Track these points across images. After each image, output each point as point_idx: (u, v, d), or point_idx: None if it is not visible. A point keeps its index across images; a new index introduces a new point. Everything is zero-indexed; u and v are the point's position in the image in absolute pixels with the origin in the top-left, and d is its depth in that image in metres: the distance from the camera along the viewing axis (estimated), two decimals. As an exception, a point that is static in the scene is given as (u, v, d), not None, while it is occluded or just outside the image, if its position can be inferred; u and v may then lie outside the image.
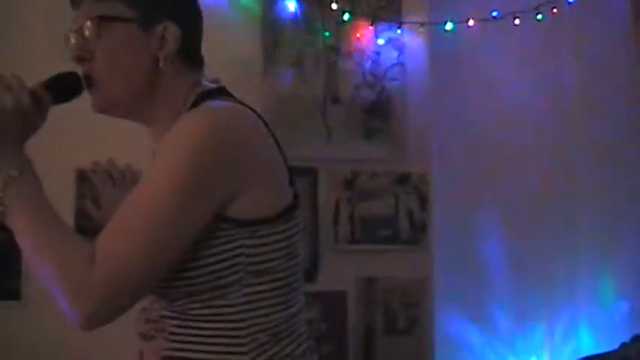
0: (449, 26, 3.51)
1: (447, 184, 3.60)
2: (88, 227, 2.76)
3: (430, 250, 3.49)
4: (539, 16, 3.58)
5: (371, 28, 3.42)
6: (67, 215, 2.84)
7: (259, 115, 1.47)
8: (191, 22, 1.54)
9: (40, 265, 1.34)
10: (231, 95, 1.52)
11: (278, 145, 1.48)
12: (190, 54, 1.53)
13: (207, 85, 1.53)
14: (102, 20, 1.44)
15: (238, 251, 1.37)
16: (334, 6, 3.30)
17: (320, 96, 3.32)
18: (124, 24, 1.45)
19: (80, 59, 1.47)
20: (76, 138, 2.58)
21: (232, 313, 1.40)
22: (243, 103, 1.48)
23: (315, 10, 3.34)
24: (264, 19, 3.27)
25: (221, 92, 1.51)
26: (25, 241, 1.35)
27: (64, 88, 1.44)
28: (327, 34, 3.34)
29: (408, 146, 3.45)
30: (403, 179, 3.44)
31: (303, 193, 3.25)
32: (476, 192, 3.72)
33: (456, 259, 3.64)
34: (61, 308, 1.30)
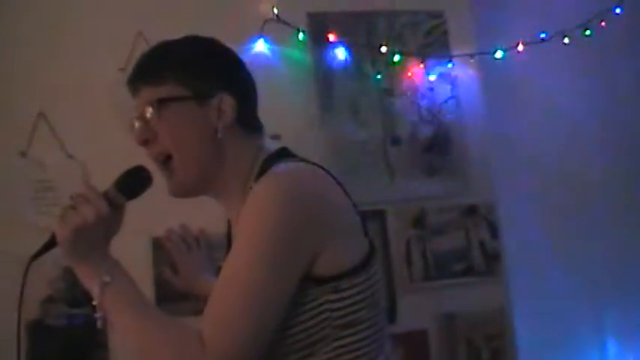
0: (499, 54, 3.51)
1: (514, 212, 3.57)
2: (167, 293, 2.84)
3: (506, 279, 3.45)
4: (588, 32, 3.56)
5: (422, 65, 3.44)
6: (147, 283, 2.90)
7: (326, 170, 1.50)
8: (244, 90, 1.60)
9: (152, 358, 1.38)
10: (293, 154, 1.56)
11: (348, 196, 1.50)
12: (248, 121, 1.58)
13: (270, 148, 1.57)
14: (160, 103, 1.50)
15: (324, 307, 1.40)
16: (383, 49, 3.34)
17: (379, 138, 3.34)
18: (181, 103, 1.51)
19: (145, 142, 1.54)
20: (148, 208, 2.63)
21: None
22: (307, 160, 1.52)
23: (365, 55, 3.37)
24: (316, 69, 3.30)
25: (284, 153, 1.55)
26: (131, 338, 1.39)
27: (134, 184, 1.50)
28: (379, 76, 3.37)
29: (472, 178, 3.44)
30: (471, 211, 3.43)
31: (372, 235, 3.28)
32: (543, 218, 3.68)
33: (530, 287, 3.59)
34: None
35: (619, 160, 3.91)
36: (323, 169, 1.50)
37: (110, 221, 1.43)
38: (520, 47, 3.52)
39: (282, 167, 1.47)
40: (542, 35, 3.54)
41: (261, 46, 3.11)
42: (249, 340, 1.33)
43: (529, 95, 3.72)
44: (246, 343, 1.33)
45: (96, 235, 1.40)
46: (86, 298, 2.73)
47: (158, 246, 2.79)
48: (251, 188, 1.45)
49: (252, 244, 1.36)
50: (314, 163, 1.51)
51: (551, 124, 3.75)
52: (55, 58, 2.98)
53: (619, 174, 3.90)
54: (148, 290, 2.92)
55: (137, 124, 1.55)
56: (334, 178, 1.50)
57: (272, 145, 1.59)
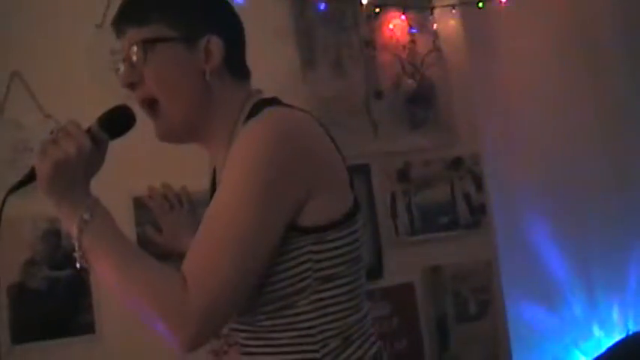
0: (481, 4, 3.46)
1: (499, 164, 3.56)
2: (150, 252, 2.81)
3: (492, 232, 3.45)
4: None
5: (403, 17, 3.39)
6: (130, 242, 2.88)
7: (317, 119, 1.47)
8: (232, 32, 1.55)
9: (133, 299, 1.34)
10: (284, 103, 1.53)
11: (337, 148, 1.48)
12: (237, 65, 1.54)
13: (259, 95, 1.54)
14: (146, 43, 1.46)
15: (306, 257, 1.38)
16: (364, 0, 3.29)
17: (362, 92, 3.31)
18: (167, 44, 1.47)
19: (131, 85, 1.50)
20: (129, 167, 2.60)
21: (302, 321, 1.41)
22: (299, 108, 1.49)
23: (346, 7, 3.32)
24: (296, 24, 3.26)
25: (275, 101, 1.52)
26: (111, 278, 1.36)
27: (118, 122, 1.45)
28: (360, 29, 3.33)
29: (456, 130, 3.43)
30: (456, 164, 3.42)
31: (357, 190, 3.27)
32: (526, 169, 3.66)
33: (515, 240, 3.59)
34: (162, 335, 1.31)
35: (606, 103, 3.88)
36: (317, 120, 1.48)
37: (92, 158, 1.38)
38: (503, -1, 3.47)
39: (272, 110, 1.43)
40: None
41: (238, -2, 3.06)
42: (233, 282, 1.31)
43: (512, 45, 3.68)
44: (230, 285, 1.31)
45: (76, 171, 1.36)
46: (68, 259, 2.76)
47: (140, 205, 2.77)
48: (238, 134, 1.42)
49: (239, 184, 1.33)
50: (306, 112, 1.48)
51: (535, 73, 3.72)
52: (29, 16, 2.91)
53: (607, 118, 3.88)
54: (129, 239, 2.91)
55: (122, 67, 1.51)
56: (325, 128, 1.47)
57: (261, 93, 1.56)
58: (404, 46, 3.41)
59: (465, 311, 3.38)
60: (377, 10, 3.32)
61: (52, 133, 1.37)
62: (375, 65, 3.36)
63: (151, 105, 1.50)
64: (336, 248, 1.41)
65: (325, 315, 1.41)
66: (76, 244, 1.35)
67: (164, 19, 1.47)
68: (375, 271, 3.20)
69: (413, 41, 3.43)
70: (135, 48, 1.47)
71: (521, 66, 3.68)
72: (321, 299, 1.41)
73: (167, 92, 1.48)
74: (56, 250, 2.81)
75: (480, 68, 3.53)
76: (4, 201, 1.40)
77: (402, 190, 3.34)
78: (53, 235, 2.80)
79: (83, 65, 2.92)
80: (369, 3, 3.30)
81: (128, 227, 2.86)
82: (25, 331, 2.75)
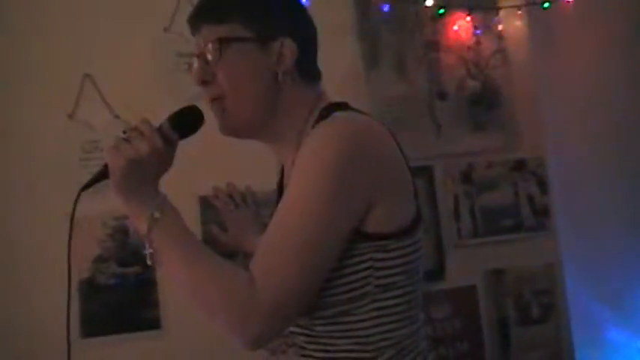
0: (546, 4, 3.42)
1: (564, 166, 3.51)
2: (215, 251, 2.86)
3: (556, 235, 3.42)
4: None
5: (468, 18, 3.38)
6: (196, 241, 2.94)
7: (387, 127, 1.48)
8: (306, 36, 1.57)
9: (200, 296, 1.36)
10: (353, 108, 1.54)
11: (405, 158, 1.48)
12: (308, 68, 1.56)
13: (329, 98, 1.56)
14: (222, 42, 1.48)
15: (367, 264, 1.38)
16: (429, 2, 3.29)
17: (425, 93, 3.31)
18: (242, 44, 1.49)
19: (204, 82, 1.52)
20: (195, 166, 2.65)
21: (360, 329, 1.41)
22: (368, 115, 1.50)
23: (410, 9, 3.33)
24: (360, 25, 3.28)
25: (344, 106, 1.54)
26: (179, 276, 1.37)
27: (188, 122, 1.47)
28: (424, 30, 3.33)
29: (520, 132, 3.40)
30: (519, 166, 3.39)
31: (420, 191, 3.26)
32: (592, 170, 3.60)
33: (581, 241, 3.54)
34: (227, 333, 1.33)
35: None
36: (386, 127, 1.48)
37: (163, 157, 1.40)
38: (569, -2, 3.42)
39: (341, 114, 1.44)
40: (593, -16, 3.44)
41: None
42: (299, 284, 1.32)
43: (578, 46, 3.63)
44: (295, 286, 1.32)
45: (148, 170, 1.38)
46: (135, 256, 2.83)
47: (205, 204, 2.82)
48: (307, 136, 1.43)
49: (307, 188, 1.34)
50: (377, 121, 1.48)
51: (602, 75, 3.66)
52: (100, 19, 2.99)
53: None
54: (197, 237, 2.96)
55: (196, 64, 1.54)
56: (393, 135, 1.47)
57: (331, 97, 1.57)
58: (468, 47, 3.40)
59: (528, 314, 3.35)
60: (441, 11, 3.31)
61: (124, 132, 1.40)
62: (438, 66, 3.36)
63: (220, 102, 1.52)
64: (397, 257, 1.41)
65: (382, 324, 1.41)
66: (146, 242, 1.37)
67: (240, 19, 1.49)
68: (437, 273, 3.18)
69: (477, 42, 3.42)
70: (210, 46, 1.49)
71: (587, 67, 3.63)
72: (379, 308, 1.41)
73: (238, 91, 1.50)
74: (124, 247, 2.88)
75: (544, 69, 3.49)
76: (77, 197, 1.43)
77: (464, 192, 3.33)
78: (121, 233, 2.88)
79: (151, 67, 2.98)
80: (433, 4, 3.30)
81: (194, 226, 2.91)
82: (93, 325, 2.83)
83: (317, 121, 1.46)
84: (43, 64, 2.94)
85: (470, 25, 3.39)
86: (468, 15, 3.38)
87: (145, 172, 1.38)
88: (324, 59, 2.62)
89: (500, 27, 3.44)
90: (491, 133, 3.37)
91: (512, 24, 3.47)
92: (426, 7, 3.30)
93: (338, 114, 1.44)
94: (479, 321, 3.30)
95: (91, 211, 2.40)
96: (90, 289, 2.84)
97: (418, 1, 3.30)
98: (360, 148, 1.35)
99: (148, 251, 1.37)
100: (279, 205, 1.38)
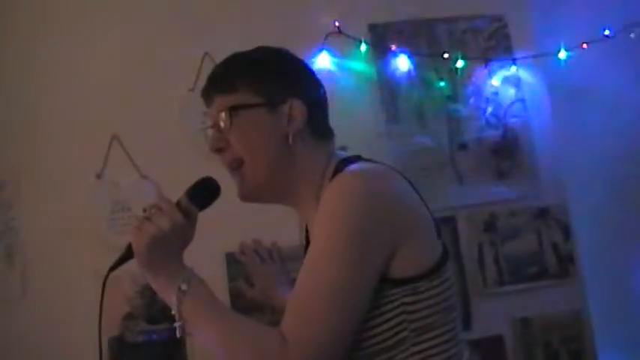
0: (562, 54, 3.46)
1: (587, 213, 3.51)
2: (243, 306, 2.89)
3: (581, 281, 3.40)
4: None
5: (485, 69, 3.43)
6: (222, 297, 2.95)
7: (400, 173, 1.52)
8: (314, 96, 1.62)
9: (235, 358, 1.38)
10: (366, 159, 1.58)
11: (421, 198, 1.51)
12: (319, 127, 1.60)
13: (343, 154, 1.60)
14: (232, 110, 1.54)
15: (400, 310, 1.40)
16: (446, 55, 3.35)
17: (446, 145, 3.35)
18: (253, 110, 1.54)
19: (219, 150, 1.57)
20: (221, 223, 2.68)
21: None
22: (380, 163, 1.53)
23: (428, 63, 3.38)
24: (380, 80, 3.33)
25: (358, 158, 1.58)
26: (211, 343, 1.41)
27: (205, 194, 1.53)
28: (442, 83, 3.38)
29: (542, 180, 3.41)
30: (542, 213, 3.40)
31: (444, 241, 3.27)
32: (616, 218, 3.60)
33: (605, 289, 3.51)
34: None
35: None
36: (399, 172, 1.51)
37: (184, 231, 1.45)
38: (584, 46, 3.46)
39: (355, 166, 1.48)
40: (607, 32, 3.48)
41: (324, 59, 3.16)
42: (332, 337, 1.34)
43: (596, 93, 3.65)
44: (328, 340, 1.33)
45: (171, 245, 1.43)
46: (164, 314, 2.85)
47: (232, 260, 2.85)
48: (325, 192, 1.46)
49: (329, 240, 1.36)
50: (387, 166, 1.52)
51: (619, 121, 3.67)
52: (127, 81, 3.07)
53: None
54: (224, 303, 2.98)
55: (211, 133, 1.59)
56: (408, 180, 1.51)
57: (344, 152, 1.61)
58: (487, 98, 3.44)
59: (557, 362, 3.32)
60: (460, 63, 3.37)
61: (144, 210, 1.45)
62: (458, 117, 3.39)
63: (237, 167, 1.57)
64: (429, 298, 1.42)
65: None
66: (176, 315, 1.41)
67: (249, 86, 1.54)
68: (464, 322, 3.18)
69: (495, 92, 3.46)
70: (222, 115, 1.55)
71: (605, 112, 3.66)
72: (420, 351, 1.42)
73: (251, 155, 1.55)
74: (152, 305, 2.91)
75: (563, 117, 3.51)
76: (106, 277, 1.49)
77: (489, 241, 3.34)
78: (150, 290, 2.90)
79: (176, 127, 3.04)
80: (450, 57, 3.35)
81: (221, 282, 2.96)
82: (124, 382, 2.85)
83: (332, 177, 1.50)
84: (72, 125, 3.02)
85: (487, 75, 3.43)
86: (486, 66, 3.42)
87: (168, 248, 1.43)
88: (346, 114, 2.67)
89: (517, 76, 3.48)
90: (513, 181, 3.39)
91: (529, 73, 3.50)
92: (444, 60, 3.35)
93: (350, 167, 1.47)
94: (507, 370, 3.28)
95: (120, 269, 2.46)
96: (120, 346, 2.87)
97: (436, 53, 3.36)
98: (373, 197, 1.38)
99: (177, 324, 1.41)
100: (303, 265, 1.41)
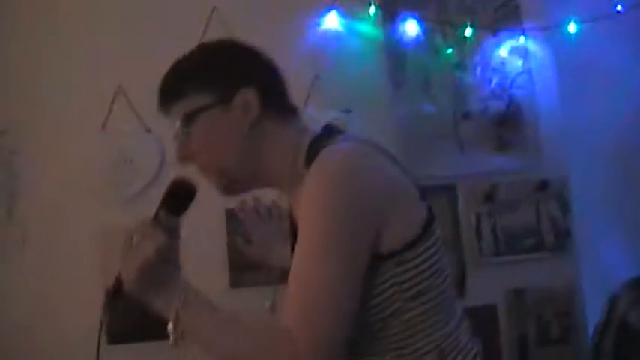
0: (572, 27, 3.45)
1: (587, 188, 3.51)
2: (240, 262, 2.91)
3: (577, 256, 3.42)
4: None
5: (493, 39, 3.42)
6: (221, 251, 2.99)
7: (374, 144, 1.51)
8: (265, 79, 1.60)
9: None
10: (338, 131, 1.57)
11: (403, 169, 1.51)
12: (278, 108, 1.58)
13: (313, 129, 1.58)
14: (188, 117, 1.53)
15: (391, 282, 1.41)
16: (455, 23, 3.33)
17: (450, 113, 3.34)
18: (207, 112, 1.53)
19: (185, 158, 1.56)
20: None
21: (395, 342, 1.44)
22: (353, 137, 1.52)
23: (436, 29, 3.37)
24: (387, 43, 3.32)
25: (329, 131, 1.56)
26: (216, 352, 1.41)
27: (181, 199, 1.49)
28: (450, 50, 3.37)
29: (543, 153, 3.41)
30: (542, 187, 3.40)
31: (443, 210, 3.27)
32: (617, 195, 3.60)
33: (598, 265, 3.53)
34: None
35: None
36: (370, 143, 1.50)
37: (170, 246, 1.44)
38: (594, 20, 3.44)
39: (330, 153, 1.45)
40: (619, 8, 3.45)
41: (332, 19, 3.12)
42: (339, 328, 1.35)
43: (603, 69, 3.63)
44: (334, 332, 1.34)
45: (160, 268, 1.41)
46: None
47: (231, 216, 2.87)
48: (303, 176, 1.45)
49: (317, 237, 1.37)
50: (363, 141, 1.51)
51: (626, 99, 3.66)
52: (133, 33, 3.06)
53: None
54: (222, 259, 3.01)
55: (176, 144, 1.58)
56: (384, 150, 1.50)
57: (314, 126, 1.60)
58: (493, 68, 3.43)
59: (547, 335, 3.35)
60: (468, 31, 3.35)
61: (125, 241, 1.43)
62: (463, 86, 3.39)
63: (208, 171, 1.57)
64: (418, 265, 1.43)
65: (416, 332, 1.44)
66: (173, 326, 1.39)
67: (198, 89, 1.53)
68: (459, 290, 3.21)
69: (502, 63, 3.44)
70: (178, 123, 1.54)
71: (612, 89, 3.64)
72: (410, 318, 1.43)
73: (217, 156, 1.54)
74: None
75: (569, 91, 3.50)
76: (105, 305, 1.48)
77: (487, 212, 3.35)
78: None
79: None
80: (459, 24, 3.33)
81: (220, 237, 2.98)
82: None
83: (308, 158, 1.49)
84: (77, 75, 3.02)
85: (495, 45, 3.42)
86: (494, 35, 3.41)
87: (158, 271, 1.41)
88: (352, 77, 2.66)
89: (525, 48, 3.46)
90: (515, 153, 3.39)
91: (537, 45, 3.49)
92: (453, 27, 3.33)
93: (326, 152, 1.45)
94: (498, 340, 3.31)
95: (120, 219, 2.48)
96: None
97: (446, 20, 3.35)
98: (355, 184, 1.38)
99: (172, 334, 1.39)
100: (294, 258, 1.40)
